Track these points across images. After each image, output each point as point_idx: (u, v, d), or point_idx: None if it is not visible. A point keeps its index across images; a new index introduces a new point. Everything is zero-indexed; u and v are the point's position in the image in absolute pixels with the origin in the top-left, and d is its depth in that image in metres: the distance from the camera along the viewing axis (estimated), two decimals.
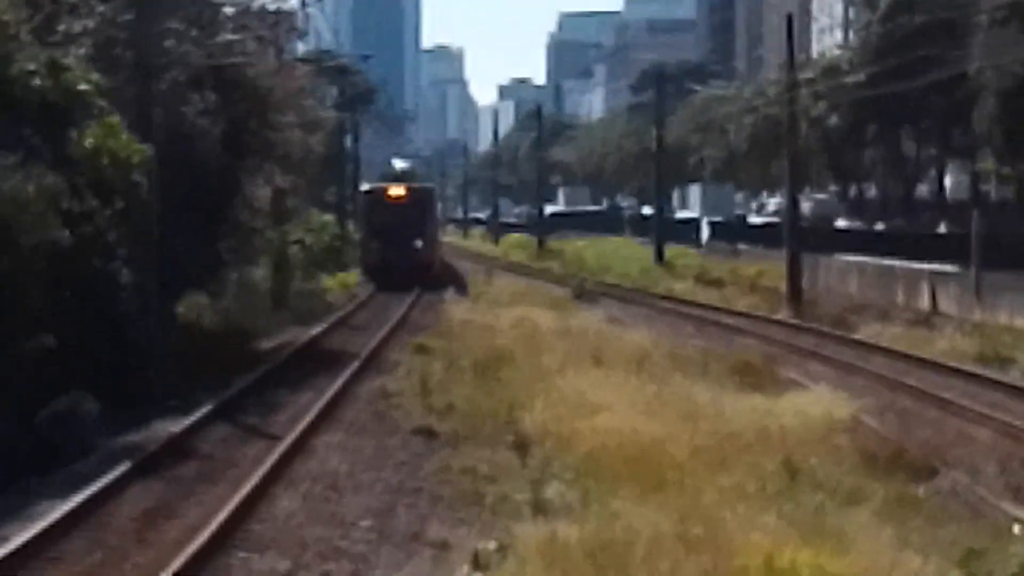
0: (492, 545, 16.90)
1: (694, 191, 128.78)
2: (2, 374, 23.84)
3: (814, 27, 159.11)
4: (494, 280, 71.96)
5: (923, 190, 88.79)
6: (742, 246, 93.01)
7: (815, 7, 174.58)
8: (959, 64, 60.90)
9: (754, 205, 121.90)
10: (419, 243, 59.12)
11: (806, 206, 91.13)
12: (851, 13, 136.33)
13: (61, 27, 33.00)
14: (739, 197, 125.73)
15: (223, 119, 39.56)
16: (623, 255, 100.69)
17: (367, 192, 63.93)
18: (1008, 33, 59.21)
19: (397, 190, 63.25)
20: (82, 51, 32.02)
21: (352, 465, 24.01)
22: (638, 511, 17.95)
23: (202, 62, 38.92)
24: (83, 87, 29.14)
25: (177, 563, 16.29)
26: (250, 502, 19.70)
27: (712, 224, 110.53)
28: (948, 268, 55.14)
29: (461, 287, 59.62)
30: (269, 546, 18.53)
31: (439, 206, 76.00)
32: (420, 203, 61.53)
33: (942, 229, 73.51)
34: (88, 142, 28.41)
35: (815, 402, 30.48)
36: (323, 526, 19.66)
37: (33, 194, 24.87)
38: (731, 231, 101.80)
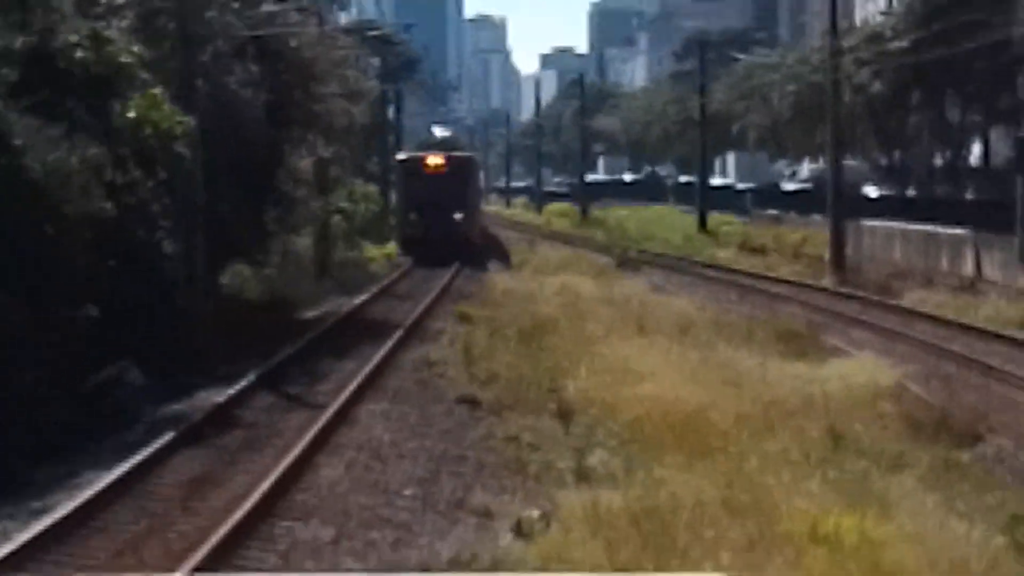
0: (535, 513, 17.32)
1: (731, 159, 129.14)
2: (49, 344, 23.95)
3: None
4: (537, 249, 72.36)
5: (970, 157, 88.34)
6: (772, 211, 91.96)
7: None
8: (1003, 28, 60.80)
9: (787, 172, 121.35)
10: (459, 215, 57.32)
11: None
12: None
13: (104, 0, 33.53)
14: (780, 164, 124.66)
15: (266, 90, 40.17)
16: (666, 223, 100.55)
17: (403, 161, 61.47)
18: None
19: (435, 159, 60.99)
20: (125, 23, 32.34)
21: (396, 434, 24.14)
22: (682, 478, 18.59)
23: (245, 33, 39.15)
24: (126, 59, 29.29)
25: (222, 532, 16.41)
26: (294, 471, 19.92)
27: (746, 191, 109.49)
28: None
29: (504, 258, 59.06)
30: (313, 515, 18.65)
31: (481, 175, 73.26)
32: (460, 173, 59.81)
33: (969, 195, 74.52)
34: (131, 114, 28.53)
35: (859, 369, 30.91)
36: (367, 495, 19.89)
37: (77, 165, 25.03)
38: (764, 197, 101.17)
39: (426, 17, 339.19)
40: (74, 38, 28.11)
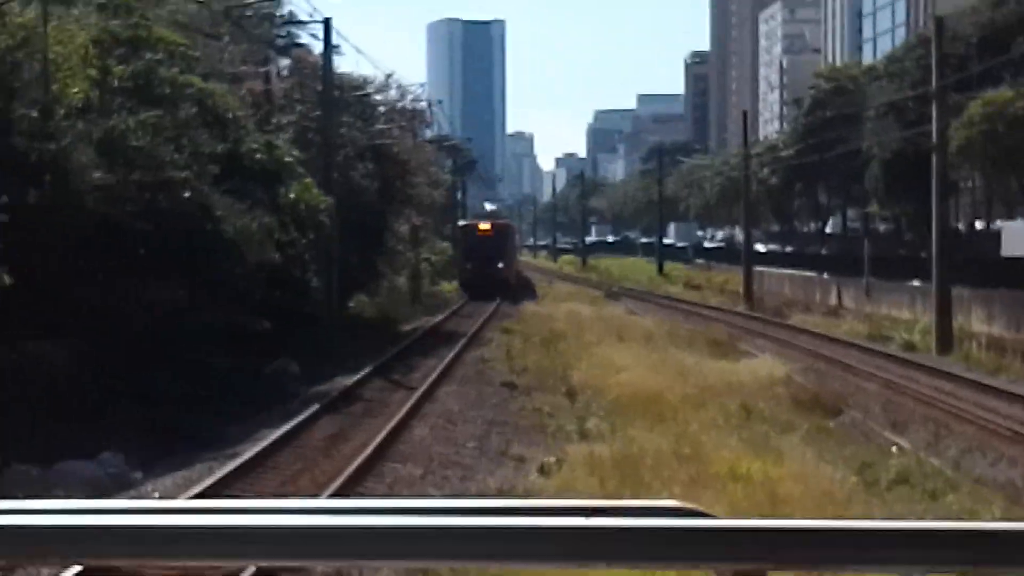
0: (552, 459, 17.52)
1: (671, 227, 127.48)
2: (239, 345, 24.40)
3: (760, 119, 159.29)
4: (553, 284, 73.35)
5: (830, 226, 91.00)
6: (699, 261, 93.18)
7: (761, 105, 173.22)
8: (856, 142, 61.19)
9: (708, 235, 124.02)
10: (500, 264, 53.95)
11: (741, 235, 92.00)
12: (784, 110, 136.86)
13: (274, 120, 34.11)
14: (704, 231, 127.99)
15: (378, 180, 40.69)
16: (637, 268, 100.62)
17: (463, 227, 59.29)
18: (887, 122, 58.85)
19: (484, 225, 57.90)
20: (287, 136, 33.01)
21: (462, 406, 24.17)
22: (646, 436, 18.60)
23: (364, 142, 39.62)
24: (288, 159, 30.22)
25: (350, 469, 16.66)
26: (396, 430, 20.01)
27: (685, 247, 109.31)
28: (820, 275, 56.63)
29: (532, 294, 57.77)
30: (408, 459, 18.84)
31: (516, 237, 72.07)
32: (501, 235, 56.09)
33: (823, 252, 74.19)
34: (292, 195, 29.09)
35: (762, 365, 30.80)
36: (443, 446, 20.04)
37: (256, 229, 25.34)
38: (695, 252, 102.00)
39: (482, 132, 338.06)
40: (254, 145, 28.75)
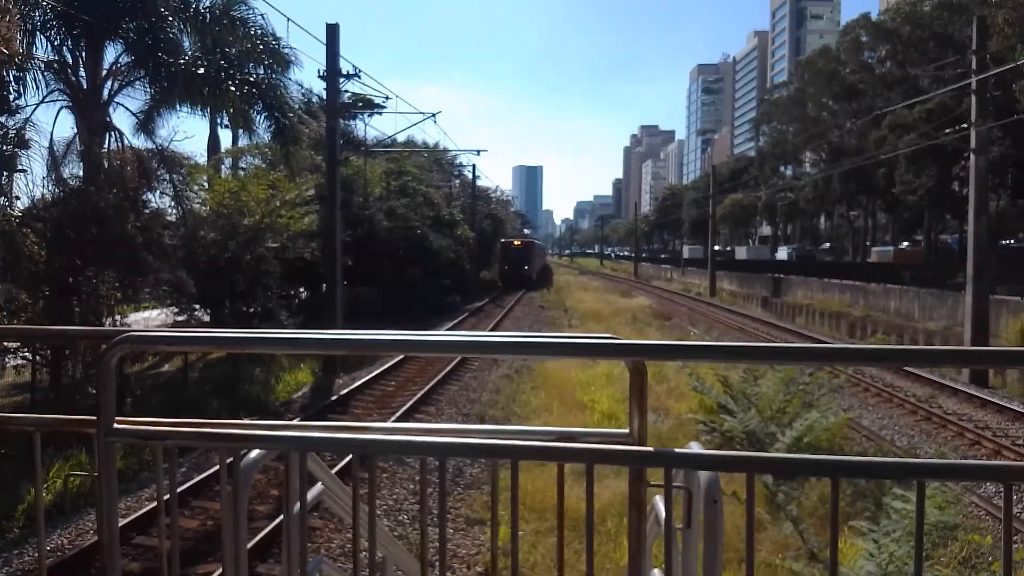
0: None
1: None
2: (435, 290, 25.59)
3: (642, 205, 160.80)
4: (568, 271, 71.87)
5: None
6: (622, 261, 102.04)
7: (643, 200, 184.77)
8: (679, 214, 68.84)
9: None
10: (527, 268, 49.23)
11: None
12: (651, 203, 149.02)
13: (453, 204, 34.77)
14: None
15: (491, 224, 43.82)
16: (591, 262, 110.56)
17: (503, 242, 50.95)
18: (692, 208, 68.57)
19: (516, 242, 51.91)
20: (457, 209, 34.12)
21: (523, 313, 27.12)
22: (595, 327, 21.47)
23: (486, 211, 42.75)
24: (459, 217, 31.43)
25: (493, 322, 21.51)
26: (501, 320, 23.46)
27: (610, 254, 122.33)
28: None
29: (551, 284, 50.22)
30: (508, 321, 23.32)
31: (540, 250, 62.87)
32: (527, 247, 50.68)
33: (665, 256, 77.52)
34: (459, 232, 30.32)
35: (640, 300, 34.79)
36: (515, 323, 23.57)
37: (445, 245, 26.60)
38: (615, 256, 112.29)
39: (530, 187, 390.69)
40: (444, 212, 29.53)
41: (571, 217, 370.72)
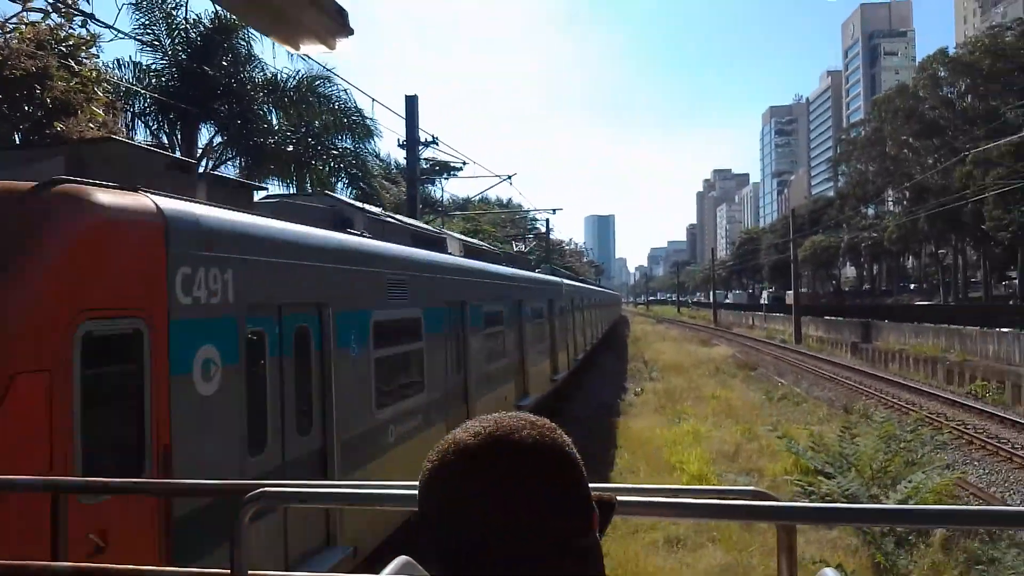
0: (639, 388, 20.17)
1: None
2: None
3: (718, 251, 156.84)
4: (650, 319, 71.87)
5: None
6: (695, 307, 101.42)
7: (719, 245, 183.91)
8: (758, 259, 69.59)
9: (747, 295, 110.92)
10: None
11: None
12: (727, 248, 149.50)
13: (531, 258, 32.35)
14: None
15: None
16: (667, 310, 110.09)
17: None
18: (771, 252, 69.68)
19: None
20: (533, 259, 30.44)
21: (598, 376, 25.51)
22: (676, 380, 21.63)
23: (561, 263, 43.04)
24: (530, 258, 26.20)
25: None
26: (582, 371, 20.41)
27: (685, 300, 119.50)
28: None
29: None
30: (594, 371, 21.80)
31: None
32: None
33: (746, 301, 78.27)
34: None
35: (722, 349, 34.30)
36: (599, 374, 22.14)
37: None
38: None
39: (602, 236, 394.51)
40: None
41: (645, 264, 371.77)
